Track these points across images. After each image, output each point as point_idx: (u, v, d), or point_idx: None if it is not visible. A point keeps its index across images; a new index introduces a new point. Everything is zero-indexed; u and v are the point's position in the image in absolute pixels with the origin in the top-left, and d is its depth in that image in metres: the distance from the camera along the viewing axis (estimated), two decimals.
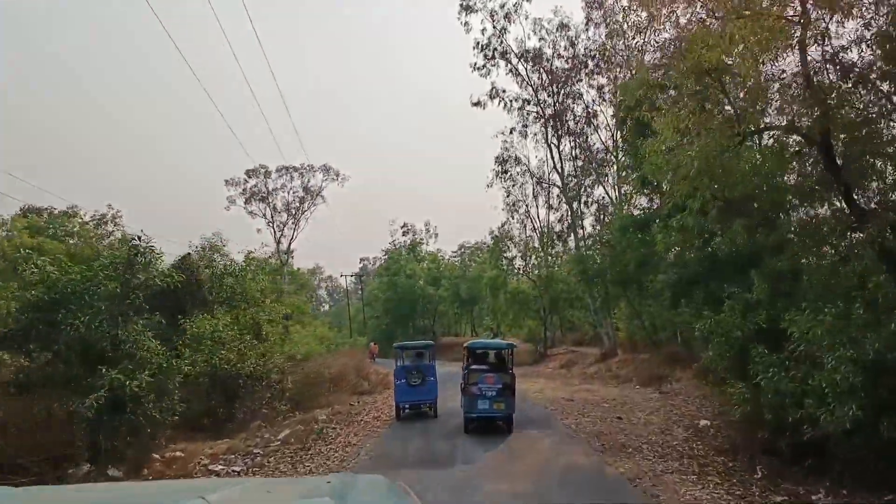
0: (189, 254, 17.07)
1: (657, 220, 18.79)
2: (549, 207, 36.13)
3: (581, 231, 33.74)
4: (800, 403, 8.56)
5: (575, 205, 33.29)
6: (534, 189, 44.17)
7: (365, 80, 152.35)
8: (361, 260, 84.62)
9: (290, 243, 60.06)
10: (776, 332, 11.35)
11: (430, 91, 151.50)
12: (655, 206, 20.43)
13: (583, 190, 31.56)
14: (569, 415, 15.60)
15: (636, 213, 22.56)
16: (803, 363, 9.02)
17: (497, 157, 35.74)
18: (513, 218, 40.22)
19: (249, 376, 13.94)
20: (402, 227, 63.08)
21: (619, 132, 32.32)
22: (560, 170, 33.04)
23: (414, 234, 62.69)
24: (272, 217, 59.69)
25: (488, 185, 43.32)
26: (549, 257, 37.13)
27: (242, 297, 17.05)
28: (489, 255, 39.00)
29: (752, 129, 10.17)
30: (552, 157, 33.28)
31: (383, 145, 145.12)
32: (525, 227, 41.73)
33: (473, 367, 14.31)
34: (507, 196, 42.96)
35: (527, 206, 43.42)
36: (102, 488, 2.51)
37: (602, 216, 33.08)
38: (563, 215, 34.73)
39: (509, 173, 35.96)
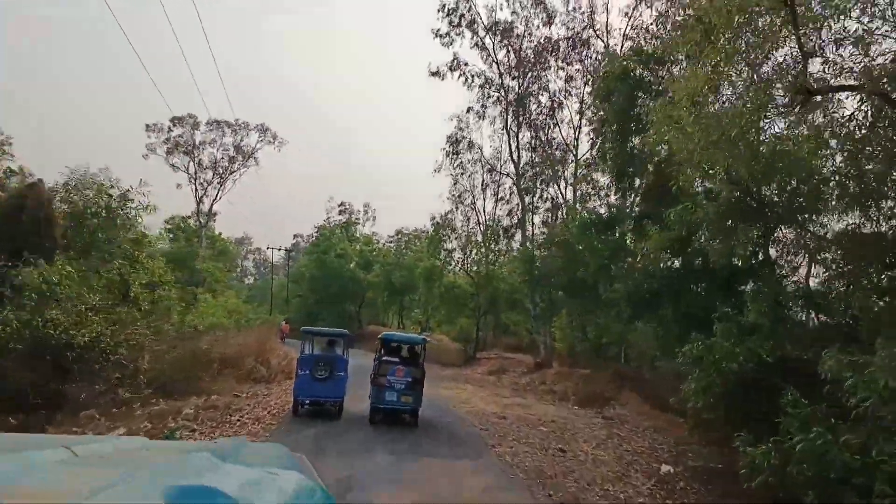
0: (37, 182, 12.93)
1: (630, 219, 16.09)
2: (499, 199, 33.26)
3: (531, 228, 31.06)
4: (861, 488, 5.76)
5: (528, 198, 30.53)
6: (483, 180, 41.27)
7: (320, 47, 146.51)
8: (295, 236, 79.94)
9: (212, 204, 55.01)
10: (794, 370, 8.65)
11: (389, 64, 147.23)
12: (625, 205, 17.78)
13: (538, 183, 28.71)
14: (502, 439, 12.58)
15: (601, 211, 19.83)
16: (861, 423, 6.25)
17: (449, 137, 32.57)
18: (457, 209, 37.31)
19: (84, 347, 10.17)
20: (339, 206, 59.18)
21: (583, 126, 29.85)
22: (516, 159, 30.19)
23: (351, 215, 58.85)
24: (196, 173, 54.48)
25: (435, 171, 40.29)
26: (492, 254, 34.25)
27: (107, 246, 13.09)
28: (427, 243, 35.73)
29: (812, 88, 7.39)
30: (510, 145, 30.42)
31: (332, 117, 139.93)
32: (469, 220, 38.88)
33: (385, 358, 14.16)
34: (455, 184, 39.93)
35: (473, 197, 40.51)
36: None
37: (554, 216, 30.46)
38: (513, 209, 31.93)
39: (460, 156, 32.87)
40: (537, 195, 29.78)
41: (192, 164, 54.22)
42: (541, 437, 13.20)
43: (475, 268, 35.51)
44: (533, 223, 31.14)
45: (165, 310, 29.85)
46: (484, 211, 41.45)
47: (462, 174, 40.59)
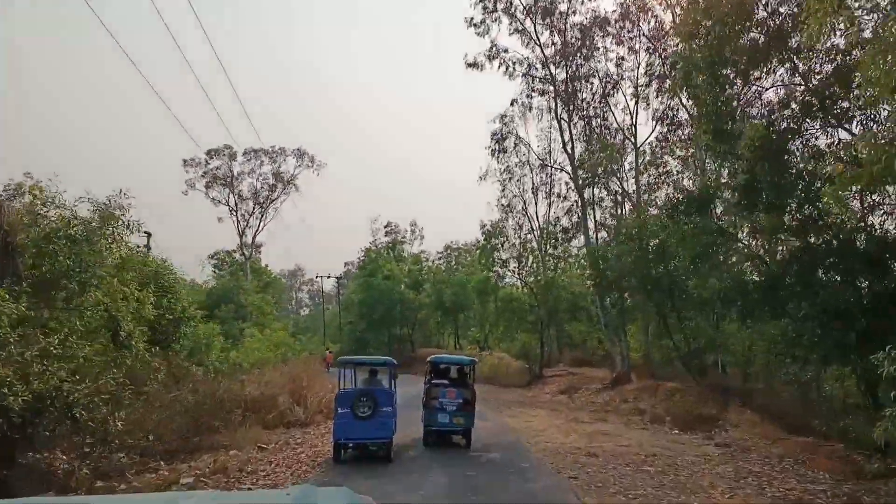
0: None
1: (733, 192, 12.66)
2: (556, 197, 29.93)
3: (593, 226, 27.62)
4: None
5: (587, 193, 27.13)
6: (533, 183, 38.22)
7: (350, 65, 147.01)
8: (346, 263, 78.16)
9: (254, 235, 53.60)
10: None
11: (423, 82, 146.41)
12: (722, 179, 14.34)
13: (598, 174, 25.19)
14: (602, 492, 9.29)
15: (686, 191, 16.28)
16: None
17: (494, 133, 29.58)
18: (507, 218, 34.23)
19: (30, 409, 7.56)
20: (385, 227, 56.84)
21: (640, 110, 26.38)
22: (570, 151, 26.93)
23: (397, 234, 56.38)
24: (236, 205, 53.26)
25: (481, 178, 37.55)
26: (551, 259, 30.89)
27: (80, 275, 10.54)
28: (479, 254, 32.66)
29: None
30: (561, 136, 27.21)
31: (371, 137, 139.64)
32: (521, 228, 35.70)
33: (435, 381, 14.21)
34: (503, 190, 36.92)
35: (524, 202, 37.39)
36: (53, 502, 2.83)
37: (618, 211, 26.97)
38: (571, 206, 28.59)
39: (507, 154, 29.82)
40: (599, 187, 26.27)
41: (231, 195, 53.07)
42: (652, 484, 9.83)
43: (532, 278, 32.19)
44: (595, 220, 27.75)
45: (197, 348, 27.81)
46: (537, 216, 38.23)
47: (510, 179, 37.69)
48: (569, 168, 27.41)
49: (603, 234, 28.01)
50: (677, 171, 21.92)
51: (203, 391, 14.60)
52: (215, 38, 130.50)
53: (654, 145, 25.89)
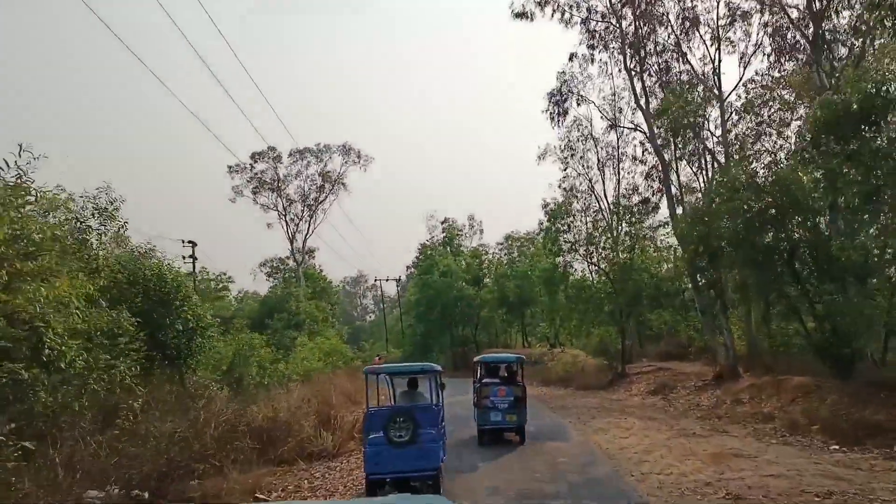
0: None
1: None
2: (633, 161, 25.47)
3: (677, 190, 22.99)
4: None
5: (668, 154, 22.64)
6: (599, 157, 33.76)
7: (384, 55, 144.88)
8: (409, 267, 75.31)
9: (305, 240, 51.22)
10: None
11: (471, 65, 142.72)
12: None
13: (689, 124, 20.39)
14: None
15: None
16: None
17: (552, 94, 25.45)
18: (572, 203, 30.00)
19: None
20: (442, 223, 53.18)
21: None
22: (644, 105, 22.51)
23: (455, 230, 52.52)
24: (285, 209, 51.05)
25: (540, 157, 33.54)
26: (627, 238, 26.47)
27: None
28: (542, 238, 28.49)
29: None
30: (632, 88, 22.81)
31: (416, 130, 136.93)
32: (588, 209, 31.31)
33: (486, 380, 14.30)
34: (565, 170, 32.69)
35: (590, 182, 33.00)
36: None
37: (707, 170, 22.34)
38: (650, 170, 24.17)
39: (568, 116, 25.60)
40: (684, 141, 21.54)
41: (279, 199, 50.94)
42: None
43: (605, 265, 27.80)
44: (679, 184, 23.15)
45: (239, 363, 24.99)
46: (605, 195, 33.80)
47: (571, 155, 33.50)
48: (643, 126, 23.00)
49: (689, 200, 23.44)
50: (789, 109, 17.28)
51: (202, 418, 11.42)
52: (262, 40, 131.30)
53: (748, 88, 21.21)
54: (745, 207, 14.63)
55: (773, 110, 19.39)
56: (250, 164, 49.81)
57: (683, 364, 27.18)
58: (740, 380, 20.73)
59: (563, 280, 28.63)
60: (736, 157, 21.18)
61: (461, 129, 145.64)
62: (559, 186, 31.62)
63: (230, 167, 49.89)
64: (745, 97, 21.06)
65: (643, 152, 24.78)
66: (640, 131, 23.66)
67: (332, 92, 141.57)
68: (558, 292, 29.80)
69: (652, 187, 25.10)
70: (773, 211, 13.42)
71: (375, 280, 67.59)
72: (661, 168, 22.35)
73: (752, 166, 15.39)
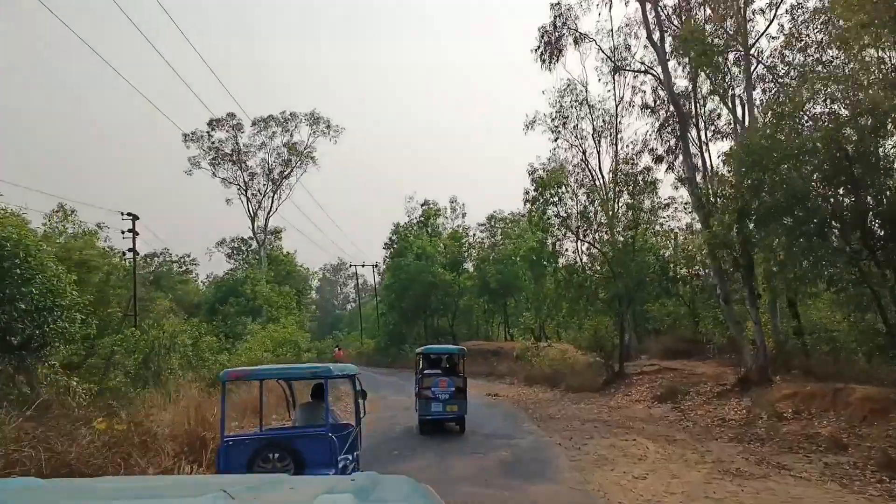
0: None
1: None
2: (643, 110, 20.93)
3: (697, 149, 18.52)
4: None
5: (688, 106, 18.13)
6: (595, 127, 29.35)
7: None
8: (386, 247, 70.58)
9: (267, 218, 46.37)
10: None
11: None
12: None
13: (721, 56, 15.79)
14: None
15: None
16: None
17: (543, 32, 20.82)
18: (565, 169, 25.68)
19: None
20: (422, 205, 48.43)
21: None
22: (658, 41, 17.96)
23: (434, 210, 47.74)
24: (246, 184, 46.14)
25: (527, 126, 29.11)
26: (631, 211, 22.01)
27: None
28: (529, 211, 23.93)
29: None
30: (645, 21, 18.24)
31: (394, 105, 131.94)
32: (582, 186, 26.80)
33: (427, 371, 14.42)
34: (556, 139, 28.25)
35: (584, 154, 28.56)
36: (123, 482, 2.42)
37: (738, 125, 17.86)
38: (664, 121, 19.68)
39: (562, 57, 20.97)
40: (717, 75, 16.87)
41: (240, 173, 46.00)
42: None
43: (601, 244, 23.41)
44: (702, 143, 18.67)
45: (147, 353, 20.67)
46: (601, 170, 29.40)
47: (563, 123, 29.10)
48: (656, 69, 18.49)
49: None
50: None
51: None
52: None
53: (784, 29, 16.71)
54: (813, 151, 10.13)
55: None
56: (207, 133, 44.83)
57: (691, 363, 22.85)
58: (773, 386, 16.43)
59: (553, 260, 24.15)
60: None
61: (446, 104, 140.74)
62: (548, 160, 27.23)
63: (185, 135, 44.89)
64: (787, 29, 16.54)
65: (656, 102, 20.32)
66: (652, 74, 19.21)
67: (301, 63, 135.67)
68: (546, 276, 25.32)
69: (667, 144, 20.53)
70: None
71: (350, 265, 62.73)
72: (677, 119, 17.82)
73: (829, 89, 10.92)
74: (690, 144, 17.92)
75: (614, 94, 25.65)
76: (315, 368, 6.79)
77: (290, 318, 35.23)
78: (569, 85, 29.28)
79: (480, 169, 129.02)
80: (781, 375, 17.33)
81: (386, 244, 44.45)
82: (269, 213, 46.18)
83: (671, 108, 18.44)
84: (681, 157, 18.85)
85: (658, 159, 21.00)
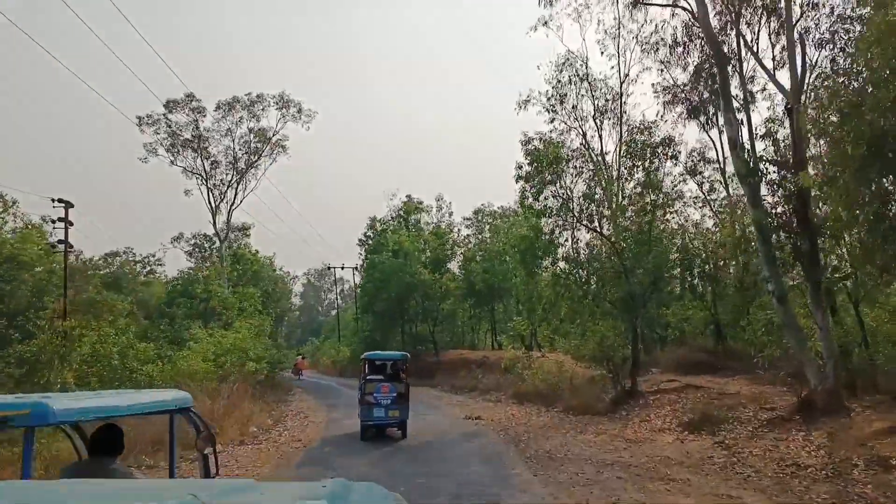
0: None
1: None
2: (672, 47, 16.53)
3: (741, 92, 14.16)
4: None
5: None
6: (596, 106, 25.48)
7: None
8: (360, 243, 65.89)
9: (230, 211, 41.69)
10: None
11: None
12: None
13: None
14: None
15: None
16: None
17: None
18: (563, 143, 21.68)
19: None
20: (404, 202, 43.61)
21: None
22: None
23: (416, 206, 43.07)
24: (206, 173, 41.49)
25: (520, 105, 25.15)
26: (649, 190, 17.69)
27: None
28: (522, 191, 19.42)
29: None
30: None
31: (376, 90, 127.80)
32: (580, 175, 22.56)
33: (370, 377, 14.60)
34: (552, 121, 24.28)
35: (584, 136, 24.48)
36: (90, 484, 2.15)
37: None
38: (699, 64, 15.39)
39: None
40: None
41: (200, 160, 41.36)
42: None
43: (612, 231, 19.09)
44: (745, 85, 14.35)
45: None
46: (603, 155, 25.35)
47: (560, 101, 25.18)
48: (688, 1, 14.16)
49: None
50: None
51: None
52: None
53: None
54: None
55: None
56: (164, 115, 40.16)
57: (717, 379, 18.62)
58: (851, 415, 12.14)
59: (550, 252, 19.76)
60: None
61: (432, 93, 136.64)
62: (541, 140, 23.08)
63: (140, 118, 40.13)
64: None
65: (688, 37, 15.94)
66: (683, 7, 14.83)
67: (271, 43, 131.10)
68: (540, 273, 20.93)
69: (700, 95, 16.23)
70: None
71: (329, 267, 58.05)
72: (715, 63, 13.47)
73: None
74: (732, 89, 13.61)
75: (619, 68, 21.52)
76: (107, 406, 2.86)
77: (244, 323, 30.64)
78: (567, 59, 25.50)
79: (469, 170, 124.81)
80: (854, 400, 13.09)
81: (361, 240, 39.79)
82: (231, 206, 41.48)
83: (706, 48, 14.16)
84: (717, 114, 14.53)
85: (693, 112, 16.68)
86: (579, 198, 19.28)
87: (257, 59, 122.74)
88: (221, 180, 41.60)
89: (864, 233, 10.79)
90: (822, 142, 10.89)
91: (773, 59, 14.15)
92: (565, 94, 25.39)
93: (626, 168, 19.76)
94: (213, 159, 41.67)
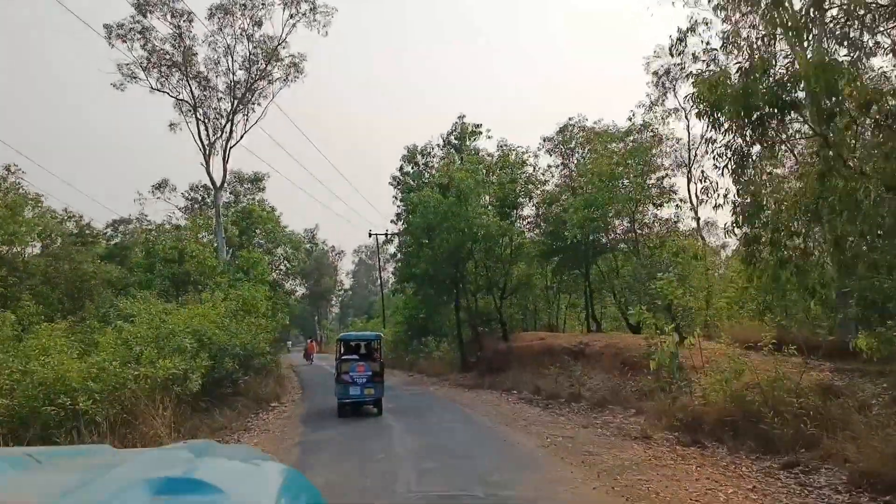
0: None
1: None
2: None
3: None
4: None
5: None
6: None
7: None
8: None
9: (226, 148, 31.29)
10: None
11: None
12: None
13: None
14: None
15: None
16: None
17: None
18: None
19: None
20: (457, 123, 30.63)
21: None
22: None
23: (473, 129, 31.13)
24: (194, 98, 31.18)
25: None
26: None
27: None
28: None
29: None
30: None
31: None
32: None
33: (345, 357, 15.45)
34: None
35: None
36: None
37: None
38: None
39: None
40: None
41: (187, 81, 31.09)
42: None
43: None
44: None
45: None
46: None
47: None
48: None
49: None
50: None
51: None
52: None
53: None
54: None
55: None
56: (138, 20, 29.94)
57: None
58: None
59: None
60: None
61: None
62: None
63: (108, 27, 30.08)
64: None
65: None
66: None
67: None
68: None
69: None
70: None
71: (371, 234, 47.37)
72: None
73: None
74: None
75: None
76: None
77: (222, 293, 20.22)
78: None
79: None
80: None
81: (395, 179, 28.45)
82: (227, 143, 31.10)
83: None
84: None
85: None
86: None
87: None
88: (216, 109, 31.34)
89: None
90: None
91: None
92: None
93: None
94: (203, 80, 31.36)
